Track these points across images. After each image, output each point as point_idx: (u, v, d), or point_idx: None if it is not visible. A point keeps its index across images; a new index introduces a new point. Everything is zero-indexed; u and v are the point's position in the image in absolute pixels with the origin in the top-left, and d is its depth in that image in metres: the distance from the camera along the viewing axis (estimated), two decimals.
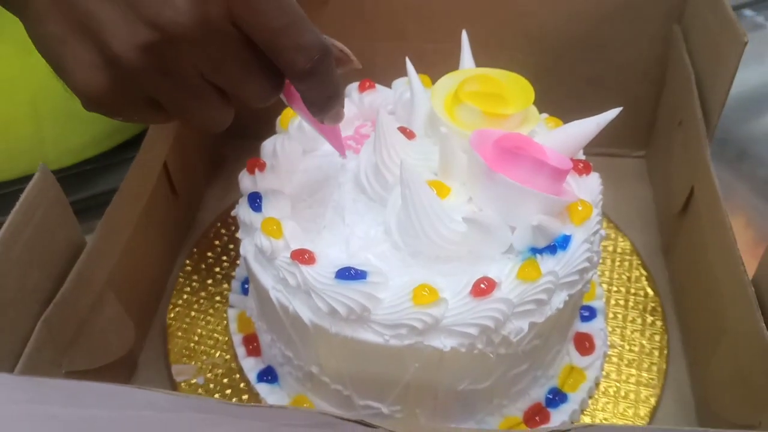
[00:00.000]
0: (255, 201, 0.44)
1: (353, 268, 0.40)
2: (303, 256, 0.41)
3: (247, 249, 0.45)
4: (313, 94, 0.37)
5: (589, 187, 0.45)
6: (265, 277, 0.43)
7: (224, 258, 0.58)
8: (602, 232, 0.46)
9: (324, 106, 0.38)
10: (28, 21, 0.34)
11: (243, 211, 0.45)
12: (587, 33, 0.59)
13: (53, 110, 0.56)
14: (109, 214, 0.45)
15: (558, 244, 0.41)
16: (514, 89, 0.46)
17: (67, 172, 0.47)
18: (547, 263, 0.41)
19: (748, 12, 0.91)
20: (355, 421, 0.29)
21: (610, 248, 0.58)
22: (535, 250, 0.41)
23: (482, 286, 0.39)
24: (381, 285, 0.40)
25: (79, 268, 0.42)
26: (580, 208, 0.43)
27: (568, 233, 0.42)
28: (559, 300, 0.41)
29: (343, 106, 0.40)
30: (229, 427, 0.31)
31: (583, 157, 0.48)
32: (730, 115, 0.77)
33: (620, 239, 0.59)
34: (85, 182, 0.51)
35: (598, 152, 0.66)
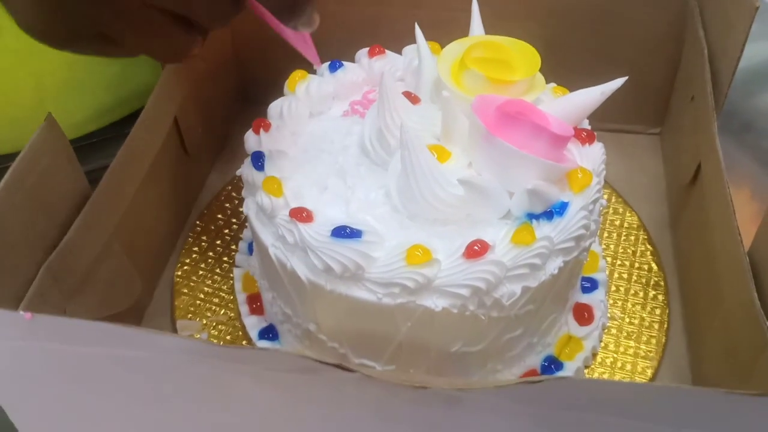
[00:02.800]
0: (258, 160, 0.45)
1: (349, 227, 0.40)
2: (301, 215, 0.42)
3: (249, 207, 0.46)
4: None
5: (591, 156, 0.45)
6: (265, 235, 0.44)
7: (234, 220, 0.59)
8: (603, 201, 0.46)
9: (293, 9, 0.35)
10: None
11: (246, 169, 0.46)
12: (602, 7, 0.59)
13: (56, 84, 0.57)
14: (115, 166, 0.46)
15: (555, 210, 0.42)
16: (521, 56, 0.46)
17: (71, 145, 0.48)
18: (543, 228, 0.41)
19: None
20: (335, 365, 0.29)
21: (617, 222, 0.58)
22: (531, 216, 0.42)
23: (475, 248, 0.40)
24: (376, 244, 0.40)
25: (84, 217, 0.43)
26: (579, 176, 0.43)
27: (566, 200, 0.42)
28: (553, 266, 0.41)
29: (315, 9, 0.36)
30: (214, 369, 0.32)
31: (588, 127, 0.47)
32: (737, 88, 0.76)
33: (628, 214, 0.59)
34: (88, 155, 0.51)
35: (613, 128, 0.66)
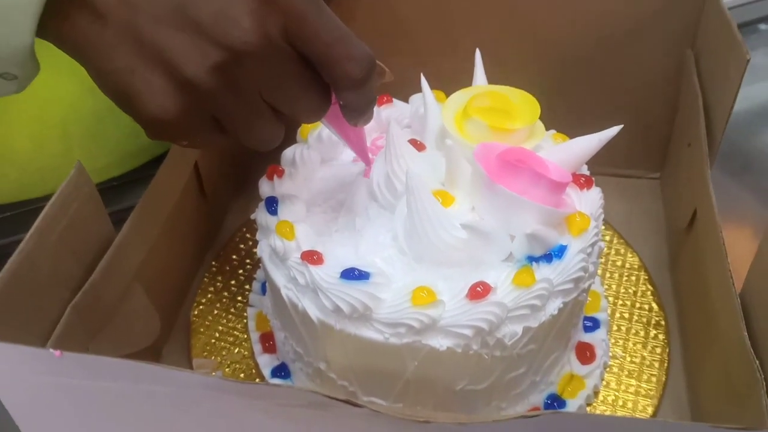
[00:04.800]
0: (271, 205, 0.48)
1: (357, 269, 0.42)
2: (312, 257, 0.44)
3: (263, 249, 0.48)
4: (357, 102, 0.40)
5: (589, 201, 0.47)
6: (278, 276, 0.46)
7: (248, 261, 0.61)
8: (601, 243, 0.48)
9: (365, 110, 0.42)
10: (90, 57, 0.36)
11: (260, 214, 0.48)
12: (602, 55, 0.61)
13: (82, 132, 0.60)
14: (139, 210, 0.48)
15: (554, 253, 0.44)
16: (522, 105, 0.49)
17: None
18: (543, 271, 0.43)
19: (763, 26, 0.92)
20: (344, 401, 0.31)
21: (619, 263, 0.60)
22: (531, 258, 0.44)
23: (478, 289, 0.42)
24: (383, 286, 0.43)
25: (108, 259, 0.45)
26: (578, 220, 0.45)
27: (564, 243, 0.44)
28: (553, 306, 0.43)
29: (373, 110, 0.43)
30: (231, 403, 0.34)
31: (587, 172, 0.50)
32: (738, 128, 0.80)
33: (629, 255, 0.60)
34: (111, 198, 0.54)
35: (615, 173, 0.68)
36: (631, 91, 0.63)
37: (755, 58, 0.94)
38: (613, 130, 0.47)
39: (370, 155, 0.50)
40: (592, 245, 0.46)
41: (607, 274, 0.59)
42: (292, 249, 0.45)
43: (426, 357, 0.43)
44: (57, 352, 0.33)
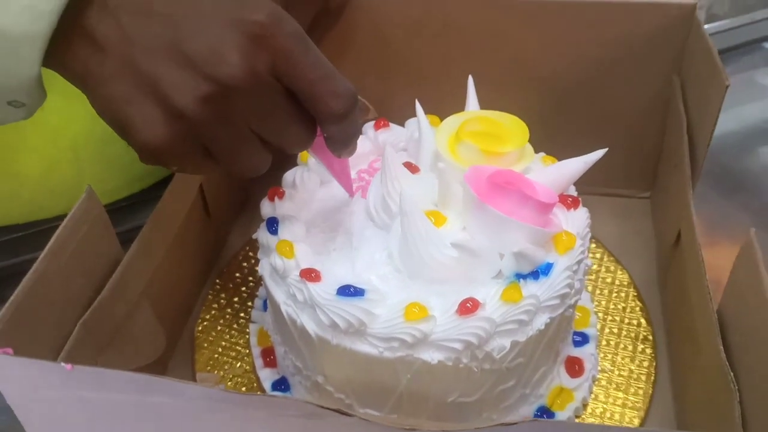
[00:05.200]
0: (272, 225, 0.50)
1: (353, 286, 0.45)
2: (310, 275, 0.46)
3: (264, 268, 0.50)
4: (341, 135, 0.43)
5: (576, 220, 0.49)
6: (278, 293, 0.48)
7: (250, 278, 0.64)
8: (588, 261, 0.50)
9: (348, 143, 0.44)
10: (90, 86, 0.39)
11: (262, 234, 0.50)
12: (593, 79, 0.63)
13: (92, 156, 0.63)
14: (146, 231, 0.51)
15: (541, 271, 0.46)
16: (512, 129, 0.51)
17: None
18: (530, 287, 0.45)
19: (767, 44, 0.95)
20: (337, 411, 0.33)
21: (609, 280, 0.62)
22: (519, 275, 0.46)
23: (468, 305, 0.44)
24: (377, 302, 0.45)
25: (117, 278, 0.47)
26: (564, 238, 0.47)
27: (551, 261, 0.46)
28: (540, 322, 0.45)
29: (356, 143, 0.45)
30: (232, 414, 0.36)
31: (574, 193, 0.52)
32: (732, 148, 0.82)
33: (619, 272, 0.62)
34: (120, 218, 0.56)
35: (607, 192, 0.71)
36: (621, 115, 0.65)
37: (756, 77, 0.96)
38: (598, 154, 0.49)
39: (353, 186, 0.53)
40: (578, 263, 0.48)
41: (597, 291, 0.61)
42: (292, 267, 0.47)
43: (418, 370, 0.45)
44: (68, 366, 0.36)
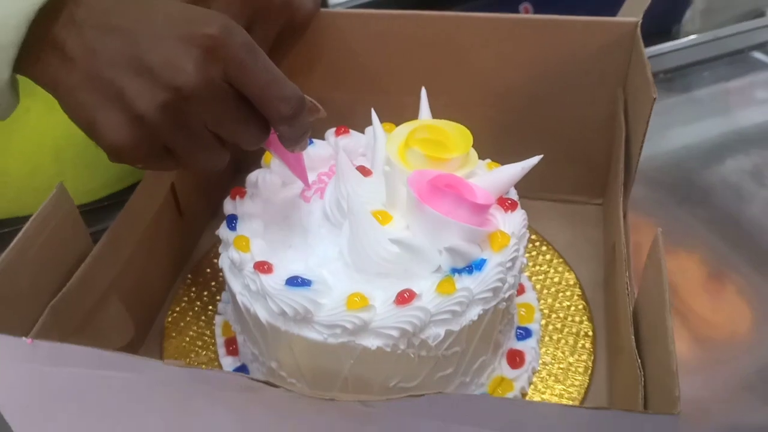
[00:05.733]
0: (232, 222, 0.54)
1: (300, 277, 0.48)
2: (263, 267, 0.50)
3: (224, 261, 0.54)
4: (291, 134, 0.47)
5: (513, 221, 0.53)
6: (235, 285, 0.52)
7: (220, 274, 0.67)
8: (523, 259, 0.54)
9: (298, 141, 0.48)
10: (60, 93, 0.43)
11: (222, 230, 0.54)
12: (545, 93, 0.67)
13: (74, 157, 0.67)
14: (114, 226, 0.55)
15: (474, 266, 0.49)
16: (456, 137, 0.55)
17: (83, 209, 0.57)
18: (464, 281, 0.49)
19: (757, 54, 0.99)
20: (264, 382, 0.37)
21: (556, 280, 0.65)
22: (455, 270, 0.50)
23: (405, 295, 0.47)
24: (323, 292, 0.49)
25: (84, 269, 0.51)
26: (499, 237, 0.51)
27: (485, 257, 0.50)
28: (473, 313, 0.49)
29: (308, 140, 0.50)
30: (179, 389, 0.40)
31: (515, 197, 0.56)
32: (694, 161, 0.86)
33: (567, 274, 0.66)
34: (100, 217, 0.60)
35: (561, 199, 0.74)
36: (573, 127, 0.69)
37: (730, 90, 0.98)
38: (534, 160, 0.53)
39: (315, 177, 0.56)
40: (513, 260, 0.51)
41: (545, 290, 0.65)
42: (247, 260, 0.51)
43: (360, 356, 0.48)
44: (29, 340, 0.40)
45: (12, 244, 0.46)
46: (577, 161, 0.71)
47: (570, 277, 0.66)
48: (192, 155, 0.45)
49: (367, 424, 0.38)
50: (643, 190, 0.82)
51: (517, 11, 2.02)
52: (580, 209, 0.74)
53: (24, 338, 0.39)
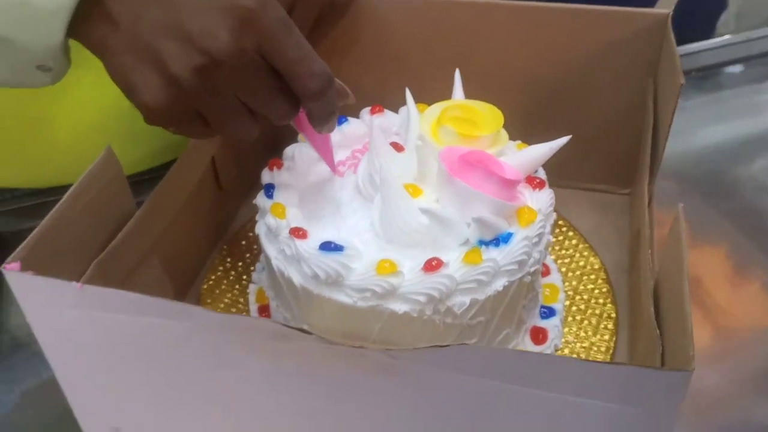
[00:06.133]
0: (269, 190, 0.57)
1: (333, 242, 0.51)
2: (298, 233, 0.52)
3: (260, 228, 0.57)
4: (319, 111, 0.49)
5: (540, 199, 0.55)
6: (270, 250, 0.55)
7: (255, 246, 0.70)
8: (549, 237, 0.55)
9: (326, 120, 0.50)
10: (105, 55, 0.46)
11: (260, 198, 0.57)
12: (575, 81, 0.69)
13: (119, 129, 0.69)
14: (157, 192, 0.57)
15: (501, 239, 0.51)
16: (487, 116, 0.57)
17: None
18: (491, 253, 0.51)
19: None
20: (298, 329, 0.39)
21: (582, 263, 0.67)
22: (482, 242, 0.51)
23: (432, 263, 0.49)
24: (354, 257, 0.51)
25: (128, 230, 0.54)
26: (526, 213, 0.53)
27: (512, 231, 0.52)
28: (499, 284, 0.51)
29: (336, 121, 0.52)
30: (215, 337, 0.42)
31: (543, 176, 0.57)
32: (722, 158, 0.86)
33: (592, 258, 0.67)
34: (142, 188, 0.63)
35: (590, 188, 0.76)
36: (602, 115, 0.70)
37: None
38: (562, 140, 0.54)
39: (335, 160, 0.59)
40: (539, 236, 0.53)
41: (570, 273, 0.66)
42: (283, 227, 0.53)
43: (388, 320, 0.50)
44: (78, 285, 0.42)
45: (60, 202, 0.49)
46: (606, 150, 0.72)
47: (595, 262, 0.67)
48: (222, 122, 0.47)
49: (394, 375, 0.40)
50: (671, 184, 0.83)
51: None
52: (607, 198, 0.75)
53: (74, 282, 0.42)
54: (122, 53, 0.45)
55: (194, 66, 0.43)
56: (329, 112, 0.49)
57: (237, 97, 0.46)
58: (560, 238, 0.70)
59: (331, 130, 0.52)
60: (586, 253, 0.68)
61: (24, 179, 0.75)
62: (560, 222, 0.71)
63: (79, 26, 0.45)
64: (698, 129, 0.89)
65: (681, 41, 0.93)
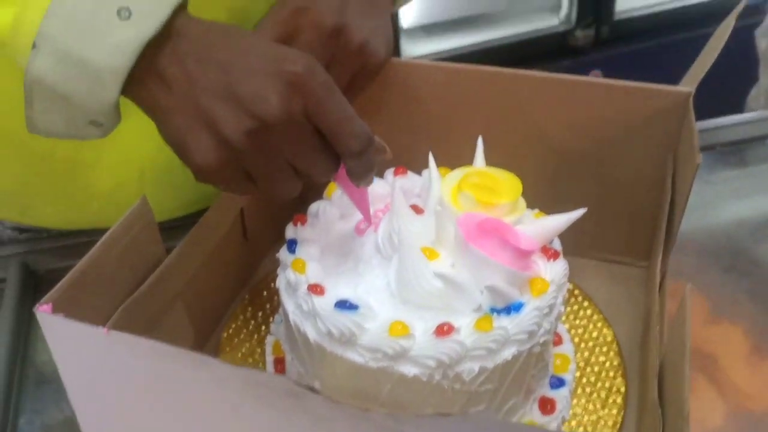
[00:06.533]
0: (291, 245, 0.59)
1: (349, 301, 0.52)
2: (316, 289, 0.54)
3: (281, 281, 0.58)
4: (358, 168, 0.51)
5: (554, 270, 0.56)
6: (289, 304, 0.57)
7: (275, 297, 0.72)
8: (561, 308, 0.56)
9: (364, 176, 0.53)
10: (157, 115, 0.48)
11: (282, 252, 0.59)
12: (597, 152, 0.70)
13: (156, 178, 0.72)
14: (186, 241, 0.60)
15: (513, 308, 0.52)
16: (507, 185, 0.59)
17: (158, 226, 0.64)
18: (502, 321, 0.52)
19: None
20: (308, 388, 0.41)
21: (595, 334, 0.67)
22: (494, 310, 0.53)
23: (444, 328, 0.51)
24: (368, 317, 0.52)
25: (156, 276, 0.56)
26: (539, 283, 0.54)
27: (524, 301, 0.53)
28: (508, 352, 0.52)
29: (373, 176, 0.54)
30: (230, 389, 0.44)
31: (558, 247, 0.58)
32: (745, 235, 0.87)
33: (605, 330, 0.68)
34: (174, 234, 0.65)
35: (608, 259, 0.77)
36: (622, 188, 0.71)
37: None
38: (578, 213, 0.56)
39: (372, 212, 0.60)
40: (550, 307, 0.54)
41: (582, 344, 0.67)
42: (302, 282, 0.55)
43: (397, 382, 0.51)
44: (105, 330, 0.44)
45: (94, 248, 0.51)
46: (626, 223, 0.73)
47: (608, 334, 0.68)
48: (269, 181, 0.50)
49: None
50: (691, 258, 0.83)
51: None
52: (625, 270, 0.76)
53: (101, 327, 0.44)
54: (175, 114, 0.47)
55: (246, 129, 0.46)
56: (368, 169, 0.52)
57: (284, 158, 0.48)
58: (575, 307, 0.70)
59: (369, 184, 0.54)
60: (600, 325, 0.69)
61: (62, 220, 0.78)
62: (576, 292, 0.72)
63: (134, 86, 0.48)
64: (722, 203, 0.90)
65: (710, 114, 0.95)
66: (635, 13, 2.11)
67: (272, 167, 0.49)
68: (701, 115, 0.86)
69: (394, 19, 1.90)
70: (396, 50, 1.94)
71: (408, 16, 2.00)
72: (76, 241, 0.79)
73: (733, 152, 0.97)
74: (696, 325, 0.76)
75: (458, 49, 2.00)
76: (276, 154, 0.48)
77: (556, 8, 2.11)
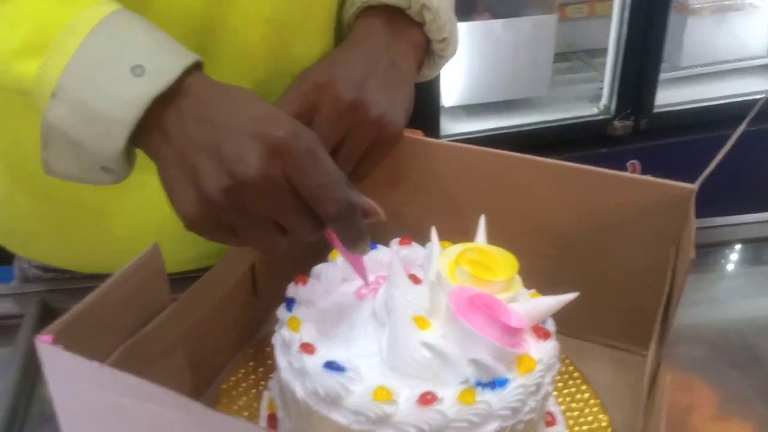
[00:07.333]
0: (290, 304, 0.61)
1: (337, 363, 0.54)
2: (307, 348, 0.56)
3: (276, 338, 0.60)
4: (341, 232, 0.53)
5: (543, 350, 0.57)
6: (282, 361, 0.58)
7: None
8: (549, 387, 0.57)
9: (353, 243, 0.54)
10: (158, 164, 0.53)
11: (280, 310, 0.61)
12: (599, 239, 0.71)
13: (174, 231, 0.75)
14: (193, 289, 0.62)
15: (497, 382, 0.53)
16: (503, 263, 0.60)
17: (171, 277, 0.64)
18: (486, 395, 0.53)
19: None
20: None
21: (590, 419, 0.67)
22: (479, 383, 0.54)
23: (427, 397, 0.52)
24: (355, 380, 0.53)
25: (160, 320, 0.59)
26: (527, 361, 0.55)
27: (510, 377, 0.54)
28: (490, 427, 0.52)
29: (368, 245, 0.55)
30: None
31: (551, 328, 0.59)
32: (759, 332, 0.85)
33: (601, 415, 0.68)
34: (182, 286, 0.68)
35: (612, 345, 0.77)
36: (625, 276, 0.72)
37: None
38: (570, 296, 0.57)
39: (373, 278, 0.62)
40: (537, 385, 0.55)
41: (576, 427, 0.66)
42: (296, 340, 0.57)
43: None
44: (98, 364, 0.46)
45: (101, 286, 0.54)
46: (627, 310, 0.73)
47: (603, 419, 0.67)
48: (249, 235, 0.52)
49: None
50: (703, 351, 0.83)
51: (624, 169, 2.09)
52: (627, 357, 0.76)
53: (94, 362, 0.46)
54: (169, 164, 0.51)
55: (223, 186, 0.49)
56: (354, 234, 0.53)
57: (263, 215, 0.51)
58: (572, 389, 0.70)
59: (364, 252, 0.55)
60: (596, 410, 0.68)
61: (80, 263, 0.81)
62: (575, 374, 0.72)
63: (140, 136, 0.52)
64: (732, 299, 0.89)
65: (729, 211, 0.95)
66: (675, 108, 2.14)
67: (252, 223, 0.51)
68: (730, 211, 0.87)
69: (435, 98, 1.95)
70: (436, 127, 1.99)
71: (449, 97, 2.06)
72: (97, 283, 0.82)
73: (749, 250, 0.97)
74: (704, 419, 0.75)
75: (496, 129, 2.05)
76: (254, 211, 0.51)
77: (596, 98, 2.15)
